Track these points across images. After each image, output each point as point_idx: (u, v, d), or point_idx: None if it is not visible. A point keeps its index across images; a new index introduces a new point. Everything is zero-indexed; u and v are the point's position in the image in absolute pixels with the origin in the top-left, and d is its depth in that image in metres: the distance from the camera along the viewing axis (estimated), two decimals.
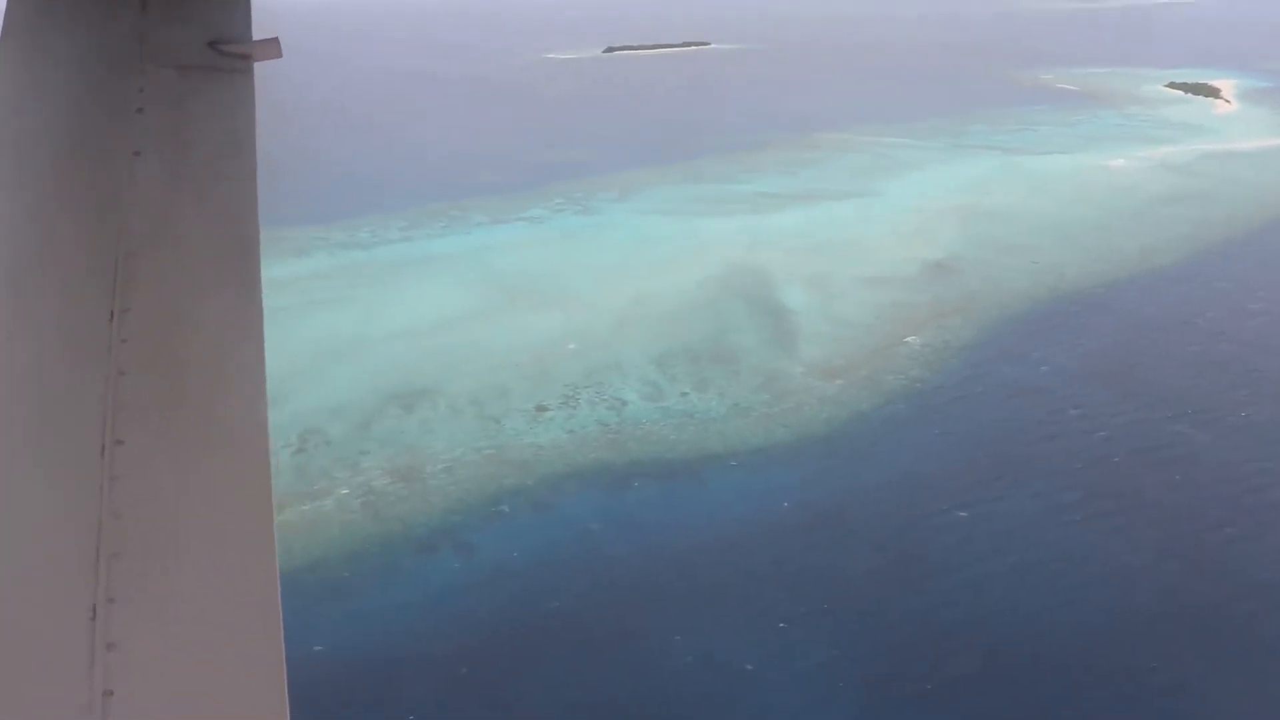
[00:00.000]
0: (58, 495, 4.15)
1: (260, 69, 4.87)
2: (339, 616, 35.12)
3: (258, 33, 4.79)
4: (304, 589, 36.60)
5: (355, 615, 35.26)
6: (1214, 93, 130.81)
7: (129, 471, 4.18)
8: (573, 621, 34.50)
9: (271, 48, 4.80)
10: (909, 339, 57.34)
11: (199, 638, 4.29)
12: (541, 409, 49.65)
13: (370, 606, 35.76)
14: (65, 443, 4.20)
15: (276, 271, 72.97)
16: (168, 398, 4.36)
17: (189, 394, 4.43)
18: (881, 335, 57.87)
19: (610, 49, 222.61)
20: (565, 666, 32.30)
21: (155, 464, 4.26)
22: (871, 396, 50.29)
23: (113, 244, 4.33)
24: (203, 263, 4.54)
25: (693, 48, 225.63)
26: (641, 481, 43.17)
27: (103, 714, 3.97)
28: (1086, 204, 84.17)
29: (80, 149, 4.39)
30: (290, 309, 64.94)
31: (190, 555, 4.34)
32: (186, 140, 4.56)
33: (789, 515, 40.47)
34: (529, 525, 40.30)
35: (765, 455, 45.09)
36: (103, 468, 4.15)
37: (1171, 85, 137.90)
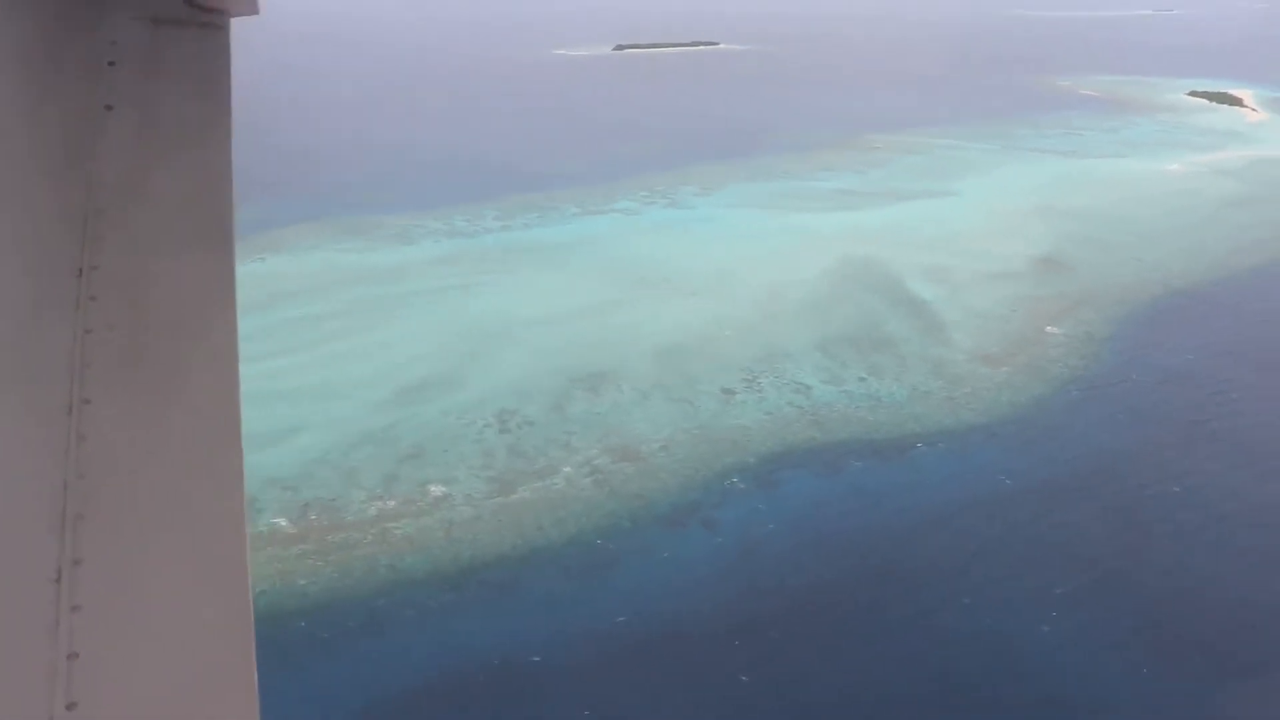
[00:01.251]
0: (22, 455, 4.01)
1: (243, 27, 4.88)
2: (621, 589, 36.09)
3: None
4: (570, 563, 37.61)
5: (635, 588, 36.22)
6: (1237, 101, 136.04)
7: (95, 432, 4.06)
8: (856, 591, 35.90)
9: (248, 3, 4.71)
10: (1049, 329, 59.56)
11: (166, 599, 4.15)
12: (728, 392, 50.88)
13: (646, 579, 36.75)
14: (30, 401, 4.04)
15: (392, 257, 73.47)
16: (136, 357, 4.25)
17: (158, 353, 4.33)
18: (1021, 326, 60.01)
19: (620, 47, 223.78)
20: (873, 633, 33.68)
21: (122, 424, 4.14)
22: (1040, 383, 52.33)
23: (82, 200, 4.23)
24: (174, 220, 4.45)
25: (701, 47, 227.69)
26: (858, 460, 44.65)
27: (68, 677, 3.82)
28: (1158, 206, 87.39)
29: (50, 102, 4.27)
30: (425, 293, 65.47)
31: (158, 516, 4.20)
32: (159, 95, 4.46)
33: (1014, 491, 42.25)
34: (768, 501, 41.57)
35: (963, 438, 46.83)
36: (69, 427, 4.02)
37: (1193, 94, 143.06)
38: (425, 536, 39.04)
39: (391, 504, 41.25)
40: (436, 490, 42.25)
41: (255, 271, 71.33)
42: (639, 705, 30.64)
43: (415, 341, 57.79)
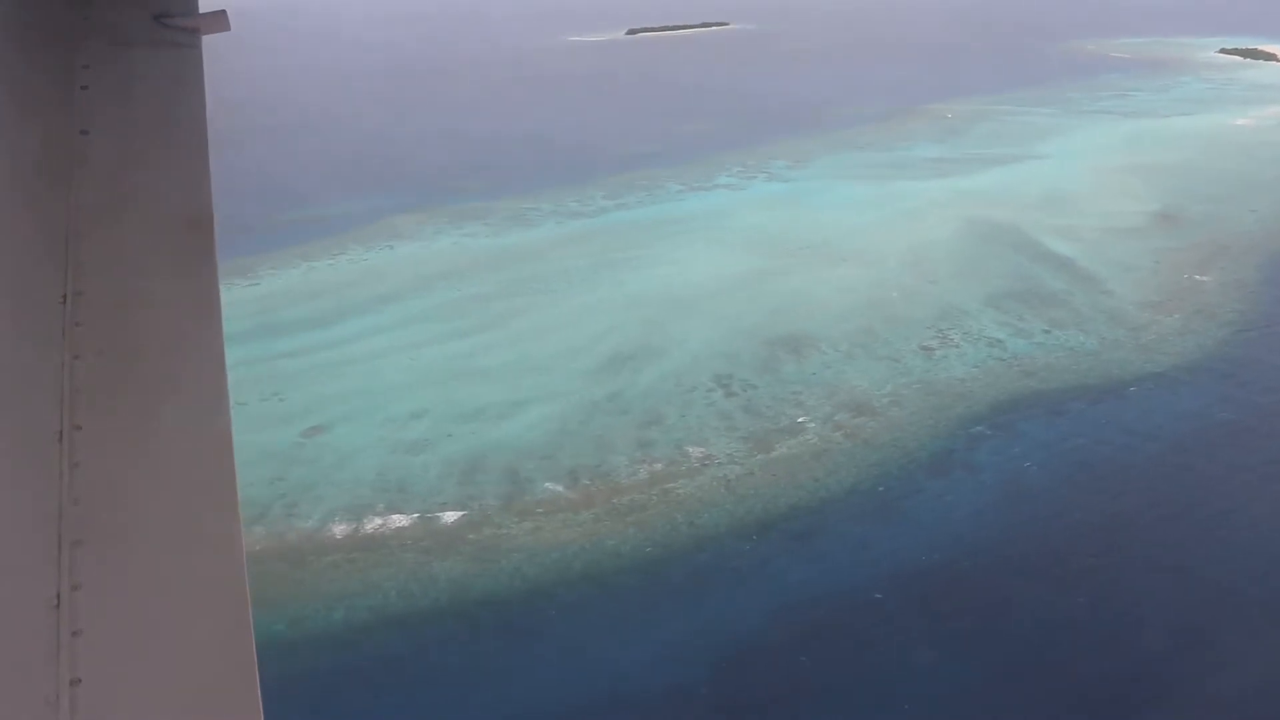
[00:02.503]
0: (15, 483, 4.06)
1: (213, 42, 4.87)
2: (916, 529, 37.88)
3: (204, 5, 4.77)
4: (859, 509, 39.37)
5: (928, 527, 38.01)
6: (1271, 57, 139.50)
7: (88, 457, 4.10)
8: (1139, 519, 37.95)
9: (219, 21, 4.73)
10: (1199, 278, 61.84)
11: (166, 622, 4.19)
12: (927, 349, 52.70)
13: (935, 520, 38.55)
14: (21, 430, 4.10)
15: (521, 239, 74.80)
16: (125, 381, 4.27)
17: (147, 376, 4.36)
18: (1171, 276, 62.23)
19: (633, 30, 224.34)
20: (1182, 553, 35.76)
21: (115, 449, 4.18)
22: (1217, 326, 54.59)
23: (62, 225, 4.24)
24: (156, 242, 4.48)
25: (713, 28, 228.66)
26: (1080, 404, 46.66)
27: (71, 702, 3.86)
28: (1246, 158, 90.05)
29: (25, 128, 4.31)
30: (575, 270, 66.72)
31: (154, 539, 4.24)
32: (134, 117, 4.50)
33: (1239, 419, 44.59)
34: (1016, 443, 43.48)
35: (1168, 377, 48.97)
36: (61, 454, 4.06)
37: (1224, 51, 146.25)
38: (710, 494, 40.57)
39: (659, 466, 42.71)
40: (696, 451, 43.76)
41: (389, 258, 72.36)
42: (996, 631, 32.49)
43: (592, 316, 59.08)
